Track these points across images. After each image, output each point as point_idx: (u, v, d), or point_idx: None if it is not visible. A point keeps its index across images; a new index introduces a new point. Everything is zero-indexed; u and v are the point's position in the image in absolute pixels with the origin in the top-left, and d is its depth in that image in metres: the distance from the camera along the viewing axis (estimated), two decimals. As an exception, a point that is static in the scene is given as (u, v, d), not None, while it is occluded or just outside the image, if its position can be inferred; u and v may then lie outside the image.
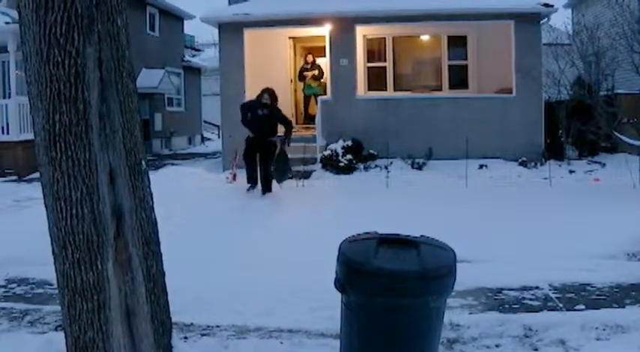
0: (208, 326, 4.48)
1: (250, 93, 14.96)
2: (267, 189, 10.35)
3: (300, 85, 16.53)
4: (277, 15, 14.73)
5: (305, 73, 16.15)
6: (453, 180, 11.80)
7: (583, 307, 4.83)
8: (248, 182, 10.63)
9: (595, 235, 6.89)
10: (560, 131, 14.53)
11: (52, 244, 3.24)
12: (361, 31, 15.22)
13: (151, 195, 3.45)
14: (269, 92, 10.71)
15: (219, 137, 21.15)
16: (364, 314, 3.11)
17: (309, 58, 16.19)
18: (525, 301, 5.05)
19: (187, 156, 21.01)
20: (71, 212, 3.09)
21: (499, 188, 11.22)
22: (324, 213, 8.61)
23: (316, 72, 15.97)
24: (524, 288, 5.35)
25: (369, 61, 15.89)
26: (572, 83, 14.42)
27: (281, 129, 10.96)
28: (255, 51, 15.38)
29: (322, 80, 15.89)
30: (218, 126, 21.77)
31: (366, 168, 13.27)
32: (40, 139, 3.14)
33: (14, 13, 13.00)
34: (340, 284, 3.13)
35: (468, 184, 11.31)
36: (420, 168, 13.27)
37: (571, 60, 13.76)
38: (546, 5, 14.07)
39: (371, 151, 13.74)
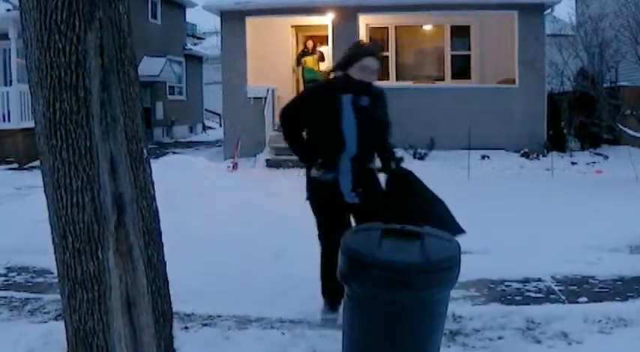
0: (209, 316, 4.46)
1: (253, 82, 14.97)
2: None
3: (300, 69, 16.46)
4: (280, 3, 14.68)
5: (304, 58, 16.07)
6: (455, 170, 11.76)
7: (585, 300, 4.81)
8: (333, 302, 4.40)
9: (597, 227, 6.87)
10: (563, 122, 14.49)
11: (52, 233, 3.21)
12: (364, 20, 15.17)
13: (153, 183, 3.42)
14: (378, 49, 4.46)
15: (220, 126, 21.15)
16: (367, 306, 3.09)
17: (310, 44, 16.12)
18: (528, 293, 5.04)
19: (189, 144, 21.00)
20: (72, 201, 3.06)
21: (501, 179, 11.19)
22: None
23: (316, 56, 15.89)
24: (527, 280, 5.33)
25: (371, 51, 15.81)
26: (575, 74, 14.38)
27: None
28: (258, 39, 15.34)
29: (323, 63, 15.77)
30: (220, 114, 21.76)
31: (367, 159, 13.24)
32: (41, 127, 3.11)
33: (16, 0, 12.93)
34: (343, 276, 3.10)
35: (470, 175, 11.28)
36: (421, 158, 13.25)
37: (575, 51, 13.72)
38: (550, -5, 14.01)
39: (373, 141, 13.71)
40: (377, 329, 3.05)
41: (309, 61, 15.98)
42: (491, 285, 5.22)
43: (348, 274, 3.06)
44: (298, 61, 16.28)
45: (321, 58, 15.83)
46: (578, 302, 4.77)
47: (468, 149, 12.13)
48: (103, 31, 3.04)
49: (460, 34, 15.81)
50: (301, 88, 16.90)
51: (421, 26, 16.27)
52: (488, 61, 15.37)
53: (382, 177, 4.29)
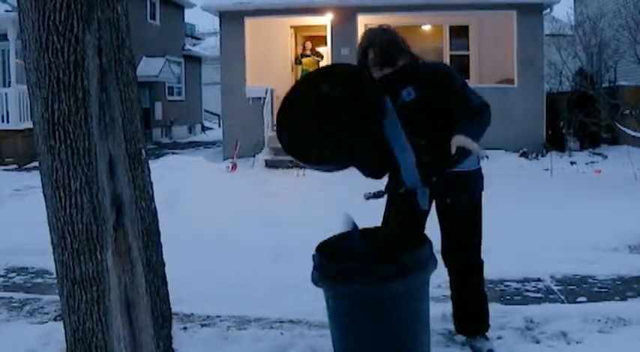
0: (208, 317, 4.46)
1: (252, 82, 14.98)
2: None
3: (300, 70, 16.56)
4: (278, 4, 14.68)
5: (302, 59, 16.17)
6: (454, 170, 11.74)
7: (585, 299, 4.82)
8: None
9: (596, 227, 6.86)
10: (562, 122, 14.49)
11: (50, 234, 3.21)
12: (362, 21, 15.15)
13: (151, 184, 3.42)
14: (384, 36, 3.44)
15: (219, 126, 21.13)
16: (338, 304, 3.11)
17: (308, 45, 16.23)
18: (527, 293, 5.04)
19: (188, 145, 20.99)
20: (70, 201, 3.06)
21: (500, 178, 11.14)
22: (323, 203, 8.58)
23: (314, 58, 16.02)
24: (526, 280, 5.33)
25: (370, 51, 15.83)
26: (574, 74, 14.37)
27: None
28: (256, 40, 15.34)
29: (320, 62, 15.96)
30: (218, 115, 21.74)
31: (366, 158, 13.24)
32: (39, 128, 3.10)
33: (14, 1, 12.93)
34: (313, 277, 3.13)
35: (469, 175, 11.27)
36: (420, 158, 13.23)
37: (573, 51, 13.71)
38: (549, -5, 14.01)
39: (372, 141, 13.71)
40: (352, 326, 3.06)
41: (306, 62, 16.12)
42: (490, 285, 5.20)
43: (317, 273, 3.08)
44: (296, 61, 16.38)
45: (318, 61, 16.01)
46: (577, 302, 4.77)
47: (467, 149, 12.09)
48: (102, 32, 3.04)
49: (459, 34, 15.81)
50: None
51: (420, 26, 16.26)
52: (487, 60, 15.37)
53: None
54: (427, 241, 3.14)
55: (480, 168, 3.61)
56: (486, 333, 3.79)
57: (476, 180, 3.58)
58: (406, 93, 3.32)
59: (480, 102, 3.36)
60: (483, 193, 3.70)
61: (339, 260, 3.07)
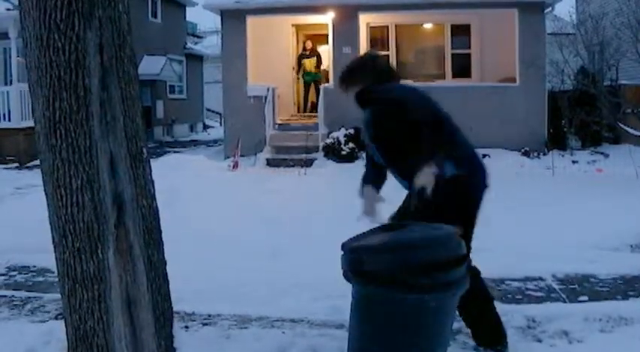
0: (210, 315, 4.46)
1: (253, 81, 14.98)
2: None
3: (301, 72, 16.60)
4: (280, 2, 14.70)
5: (302, 61, 16.24)
6: (456, 169, 11.73)
7: (586, 298, 4.80)
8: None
9: (598, 226, 6.85)
10: (564, 121, 14.48)
11: (52, 232, 3.21)
12: (364, 19, 15.16)
13: (152, 182, 3.42)
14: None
15: (221, 125, 21.15)
16: (364, 304, 3.07)
17: (308, 45, 16.27)
18: (528, 292, 5.03)
19: (189, 143, 20.99)
20: (71, 200, 3.06)
21: (501, 178, 11.13)
22: (326, 203, 8.58)
23: (314, 60, 16.08)
24: (527, 279, 5.32)
25: (372, 50, 15.84)
26: (575, 73, 14.36)
27: None
28: (258, 38, 15.34)
29: (321, 68, 16.07)
30: (220, 113, 21.75)
31: (368, 157, 13.27)
32: (40, 126, 3.10)
33: (16, 0, 12.94)
34: (345, 275, 3.09)
35: (470, 174, 11.26)
36: (422, 157, 13.22)
37: (575, 49, 13.70)
38: (551, -6, 14.00)
39: (373, 140, 13.71)
40: (375, 328, 3.03)
41: (307, 63, 16.16)
42: (492, 284, 5.18)
43: (348, 272, 3.04)
44: (298, 65, 16.42)
45: (319, 61, 16.08)
46: (578, 301, 4.76)
47: (469, 148, 12.09)
48: (103, 30, 3.03)
49: (460, 32, 15.81)
50: (301, 87, 16.96)
51: (421, 25, 16.27)
52: (489, 59, 15.36)
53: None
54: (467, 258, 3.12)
55: (456, 176, 3.54)
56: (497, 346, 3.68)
57: (445, 187, 3.38)
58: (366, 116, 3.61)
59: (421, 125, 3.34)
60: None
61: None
